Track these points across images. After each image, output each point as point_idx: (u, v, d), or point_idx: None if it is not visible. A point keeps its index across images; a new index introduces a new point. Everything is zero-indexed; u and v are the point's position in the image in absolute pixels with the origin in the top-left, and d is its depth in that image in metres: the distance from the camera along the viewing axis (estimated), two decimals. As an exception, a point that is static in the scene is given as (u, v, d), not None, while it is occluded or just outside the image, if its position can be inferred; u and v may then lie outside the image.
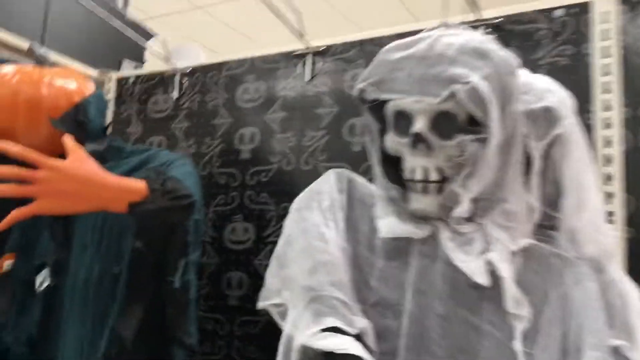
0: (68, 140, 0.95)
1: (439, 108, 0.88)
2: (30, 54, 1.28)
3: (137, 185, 0.95)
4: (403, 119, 0.95)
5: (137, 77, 1.83)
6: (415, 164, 0.93)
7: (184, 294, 1.02)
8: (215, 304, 1.46)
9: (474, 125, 0.87)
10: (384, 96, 0.97)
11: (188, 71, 1.71)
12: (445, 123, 0.87)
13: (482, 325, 0.81)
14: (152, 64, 1.86)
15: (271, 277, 1.01)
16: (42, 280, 1.12)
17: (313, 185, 1.07)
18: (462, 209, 0.87)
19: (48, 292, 1.13)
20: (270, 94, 1.55)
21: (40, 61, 1.25)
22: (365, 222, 1.03)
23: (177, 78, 1.72)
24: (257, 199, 1.49)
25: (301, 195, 1.07)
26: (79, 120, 1.16)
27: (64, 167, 0.89)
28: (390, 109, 0.98)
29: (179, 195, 0.97)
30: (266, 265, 1.45)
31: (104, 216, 1.11)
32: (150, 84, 1.78)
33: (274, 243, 1.41)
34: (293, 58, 1.53)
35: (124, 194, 0.93)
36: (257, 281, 1.43)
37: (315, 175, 1.32)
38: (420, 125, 0.91)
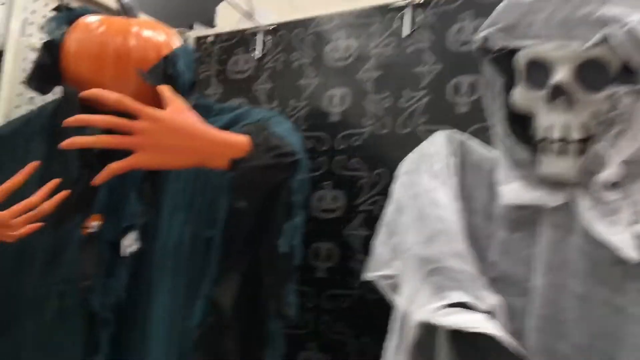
0: (166, 90, 0.86)
1: (587, 55, 0.76)
2: (116, 3, 1.21)
3: (240, 140, 0.86)
4: (539, 69, 0.83)
5: (217, 35, 1.73)
6: (552, 121, 0.81)
7: (288, 260, 0.92)
8: (302, 276, 1.37)
9: (628, 74, 0.75)
10: (515, 43, 0.85)
11: (271, 29, 1.60)
12: (593, 72, 0.76)
13: (628, 308, 0.72)
14: (229, 23, 1.76)
15: (380, 247, 0.91)
16: (130, 244, 1.05)
17: (422, 147, 0.96)
18: (610, 172, 0.75)
19: (136, 257, 1.06)
20: (362, 51, 1.42)
21: (126, 11, 1.17)
22: (481, 189, 0.92)
23: (259, 36, 1.61)
24: (347, 165, 1.38)
25: (409, 157, 0.96)
26: (168, 74, 1.08)
27: (166, 118, 0.81)
28: (522, 58, 0.85)
29: (284, 152, 0.87)
30: (357, 236, 1.33)
31: (196, 175, 1.02)
32: (230, 43, 1.68)
33: (367, 212, 1.32)
34: (389, 11, 1.39)
35: (227, 149, 0.84)
36: (346, 252, 1.33)
37: (414, 139, 1.20)
38: (562, 75, 0.79)
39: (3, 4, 1.26)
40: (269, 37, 1.59)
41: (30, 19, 1.36)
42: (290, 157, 0.88)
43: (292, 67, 1.53)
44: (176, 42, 1.22)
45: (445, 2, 1.31)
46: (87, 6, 1.23)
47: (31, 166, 0.87)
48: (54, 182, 0.87)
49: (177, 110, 0.82)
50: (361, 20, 1.44)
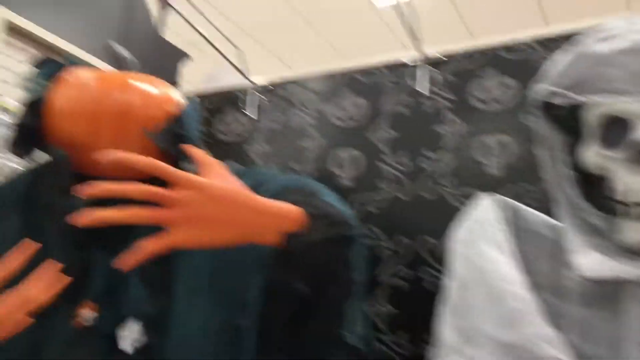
0: (198, 152, 0.71)
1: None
2: (107, 53, 1.06)
3: (292, 210, 0.71)
4: (617, 126, 0.74)
5: (200, 95, 1.60)
6: (634, 183, 0.71)
7: (361, 355, 0.75)
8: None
9: None
10: (589, 98, 0.75)
11: (266, 87, 1.48)
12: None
13: None
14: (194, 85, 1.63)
15: (448, 330, 0.78)
16: (134, 338, 0.86)
17: (472, 214, 0.85)
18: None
19: (142, 354, 0.86)
20: (374, 110, 1.32)
21: (120, 63, 1.02)
22: (542, 260, 0.82)
23: (252, 95, 1.49)
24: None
25: (461, 225, 0.84)
26: (177, 134, 0.92)
27: (208, 185, 0.65)
28: (595, 114, 0.76)
29: (341, 223, 0.73)
30: (382, 310, 1.19)
31: (216, 251, 0.84)
32: (216, 104, 1.55)
33: (389, 285, 1.18)
34: (400, 68, 1.30)
35: (278, 221, 0.69)
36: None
37: (441, 204, 1.09)
38: (648, 133, 0.69)
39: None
40: (264, 97, 1.47)
41: (2, 77, 1.18)
42: (348, 229, 0.73)
43: (292, 127, 1.41)
44: (177, 97, 1.06)
45: (462, 58, 1.23)
46: (72, 58, 1.07)
47: (29, 247, 0.69)
48: (51, 265, 0.69)
49: (218, 175, 0.67)
50: (369, 78, 1.34)
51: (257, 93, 1.48)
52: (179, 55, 2.20)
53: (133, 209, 0.61)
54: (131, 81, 0.98)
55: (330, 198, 0.81)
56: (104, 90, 0.93)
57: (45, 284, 0.68)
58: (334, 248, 0.72)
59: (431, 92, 1.24)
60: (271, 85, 1.47)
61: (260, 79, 1.49)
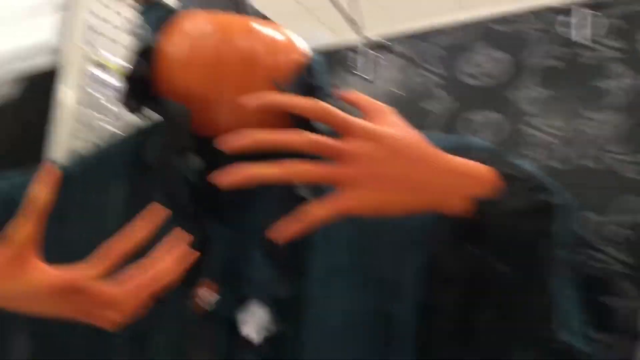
0: (359, 96, 0.55)
1: None
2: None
3: (483, 170, 0.54)
4: None
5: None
6: None
7: (577, 355, 0.57)
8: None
9: None
10: None
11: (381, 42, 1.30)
12: None
13: None
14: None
15: None
16: (262, 325, 0.72)
17: None
18: None
19: (272, 345, 0.72)
20: (518, 64, 1.12)
21: (238, 6, 0.87)
22: None
23: (365, 53, 1.32)
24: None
25: None
26: (310, 85, 0.77)
27: (390, 136, 0.49)
28: None
29: (543, 190, 0.55)
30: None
31: (361, 220, 0.68)
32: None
33: None
34: (548, 13, 1.09)
35: (469, 183, 0.53)
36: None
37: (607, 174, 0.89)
38: None
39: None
40: (379, 54, 1.30)
41: (96, 28, 1.05)
42: (552, 197, 0.55)
43: (414, 89, 1.23)
44: (303, 45, 0.89)
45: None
46: (185, 1, 0.92)
47: (158, 214, 0.56)
48: (180, 236, 0.56)
49: (394, 124, 0.51)
50: (510, 27, 1.14)
51: (370, 50, 1.30)
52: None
53: (298, 164, 0.46)
54: (254, 26, 0.82)
55: (521, 162, 0.63)
56: (224, 35, 0.78)
57: (173, 258, 0.55)
58: (536, 218, 0.55)
59: (593, 40, 1.03)
60: (387, 40, 1.29)
61: (373, 35, 1.32)
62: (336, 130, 0.49)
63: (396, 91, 1.25)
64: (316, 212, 0.46)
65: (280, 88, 0.75)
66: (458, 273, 0.60)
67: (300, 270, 0.72)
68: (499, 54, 1.13)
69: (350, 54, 1.33)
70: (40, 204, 0.47)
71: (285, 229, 0.47)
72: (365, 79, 1.29)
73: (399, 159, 0.49)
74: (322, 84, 0.77)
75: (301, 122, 0.65)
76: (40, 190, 0.47)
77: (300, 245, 0.71)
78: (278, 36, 0.82)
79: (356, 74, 1.31)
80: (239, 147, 0.46)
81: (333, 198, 0.46)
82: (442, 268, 0.61)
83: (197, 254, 0.57)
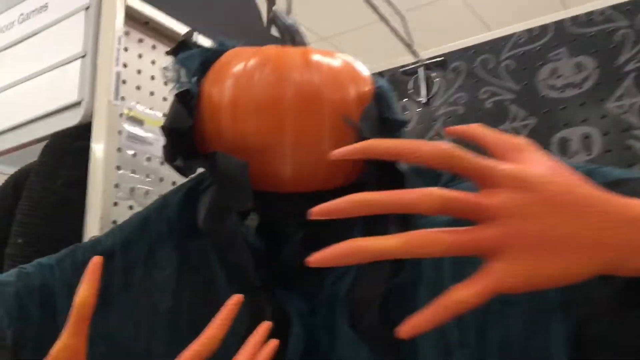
0: (485, 131, 0.44)
1: None
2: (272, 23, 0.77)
3: None
4: None
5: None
6: None
7: None
8: None
9: None
10: None
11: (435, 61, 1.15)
12: None
13: None
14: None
15: None
16: None
17: None
18: None
19: None
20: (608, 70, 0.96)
21: (291, 35, 0.73)
22: None
23: (419, 73, 1.17)
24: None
25: None
26: (381, 118, 0.65)
27: (541, 182, 0.37)
28: None
29: None
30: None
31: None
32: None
33: None
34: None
35: None
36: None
37: None
38: None
39: (83, 56, 0.85)
40: (434, 74, 1.14)
41: (128, 80, 0.93)
42: None
43: (481, 108, 1.07)
44: (366, 71, 0.74)
45: None
46: (223, 40, 0.78)
47: (235, 303, 0.47)
48: (263, 330, 0.47)
49: (543, 164, 0.38)
50: (593, 28, 0.98)
51: (425, 70, 1.15)
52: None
53: (426, 234, 0.34)
54: (311, 56, 0.67)
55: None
56: (279, 71, 0.64)
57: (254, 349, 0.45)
58: None
59: None
60: (441, 57, 1.14)
61: (424, 53, 1.17)
62: (470, 179, 0.37)
63: (459, 112, 1.10)
64: (462, 296, 0.34)
65: (355, 126, 0.62)
66: (622, 345, 0.45)
67: (397, 345, 0.57)
68: (585, 59, 0.97)
69: (400, 77, 1.19)
70: (88, 311, 0.41)
71: (420, 322, 0.34)
72: (421, 101, 1.14)
73: (562, 211, 0.35)
74: (394, 115, 0.65)
75: (375, 161, 0.54)
76: (88, 296, 0.41)
77: (397, 312, 0.56)
78: (339, 64, 0.68)
79: (411, 97, 1.16)
80: (340, 211, 0.35)
81: (481, 275, 0.34)
82: (599, 340, 0.46)
83: (278, 342, 0.47)
